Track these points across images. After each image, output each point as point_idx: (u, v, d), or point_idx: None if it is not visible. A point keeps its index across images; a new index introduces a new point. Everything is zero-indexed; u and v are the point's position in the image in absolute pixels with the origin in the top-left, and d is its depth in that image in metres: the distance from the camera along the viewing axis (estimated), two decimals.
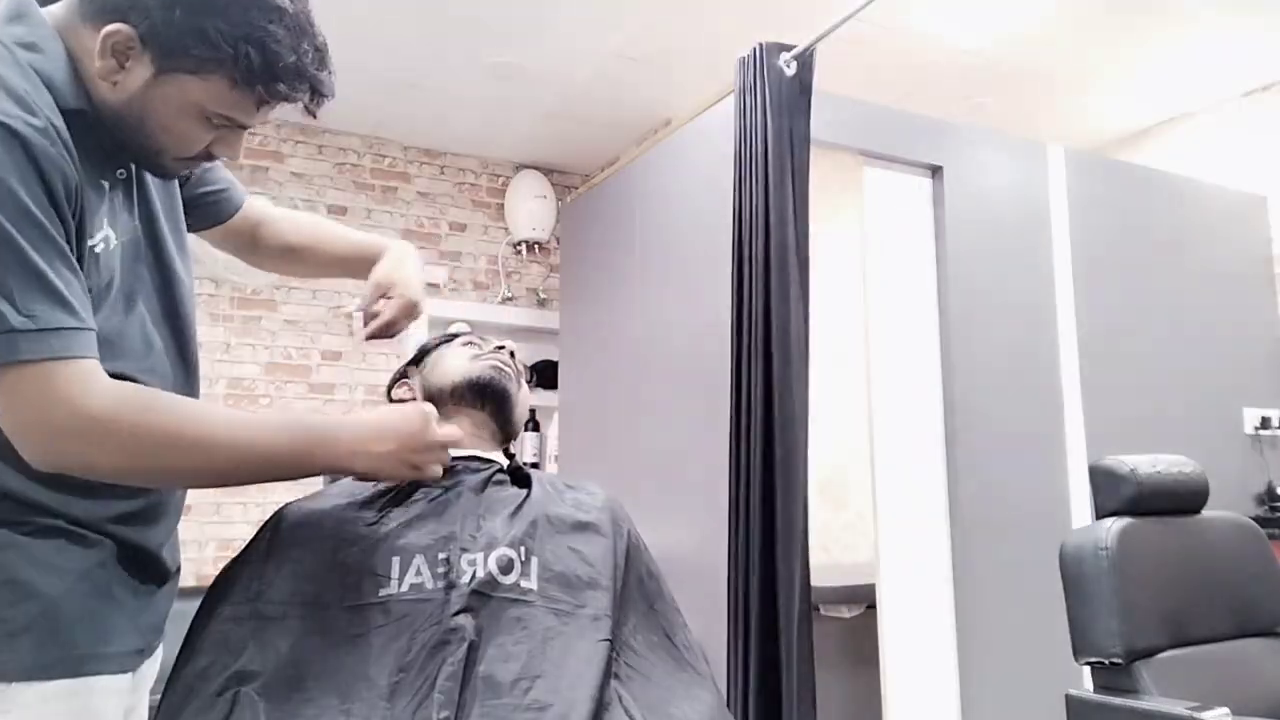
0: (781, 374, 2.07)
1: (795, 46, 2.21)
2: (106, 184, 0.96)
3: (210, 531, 3.41)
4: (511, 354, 1.38)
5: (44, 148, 0.84)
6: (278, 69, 0.92)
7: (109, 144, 0.95)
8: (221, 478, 1.00)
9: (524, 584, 1.09)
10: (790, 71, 2.20)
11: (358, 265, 1.32)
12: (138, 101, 0.92)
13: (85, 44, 0.90)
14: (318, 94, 0.98)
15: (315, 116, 1.01)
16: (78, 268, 0.88)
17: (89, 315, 0.88)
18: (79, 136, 0.89)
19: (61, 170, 0.85)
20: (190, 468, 0.94)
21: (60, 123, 0.87)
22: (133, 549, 1.02)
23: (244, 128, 0.99)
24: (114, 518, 0.99)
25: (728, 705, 1.97)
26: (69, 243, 0.87)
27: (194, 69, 0.90)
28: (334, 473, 1.04)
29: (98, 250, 0.93)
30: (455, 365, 1.34)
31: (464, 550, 1.10)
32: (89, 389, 0.86)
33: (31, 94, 0.85)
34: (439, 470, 1.12)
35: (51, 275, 0.84)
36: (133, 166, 1.01)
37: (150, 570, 1.05)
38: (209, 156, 1.01)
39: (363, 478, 1.08)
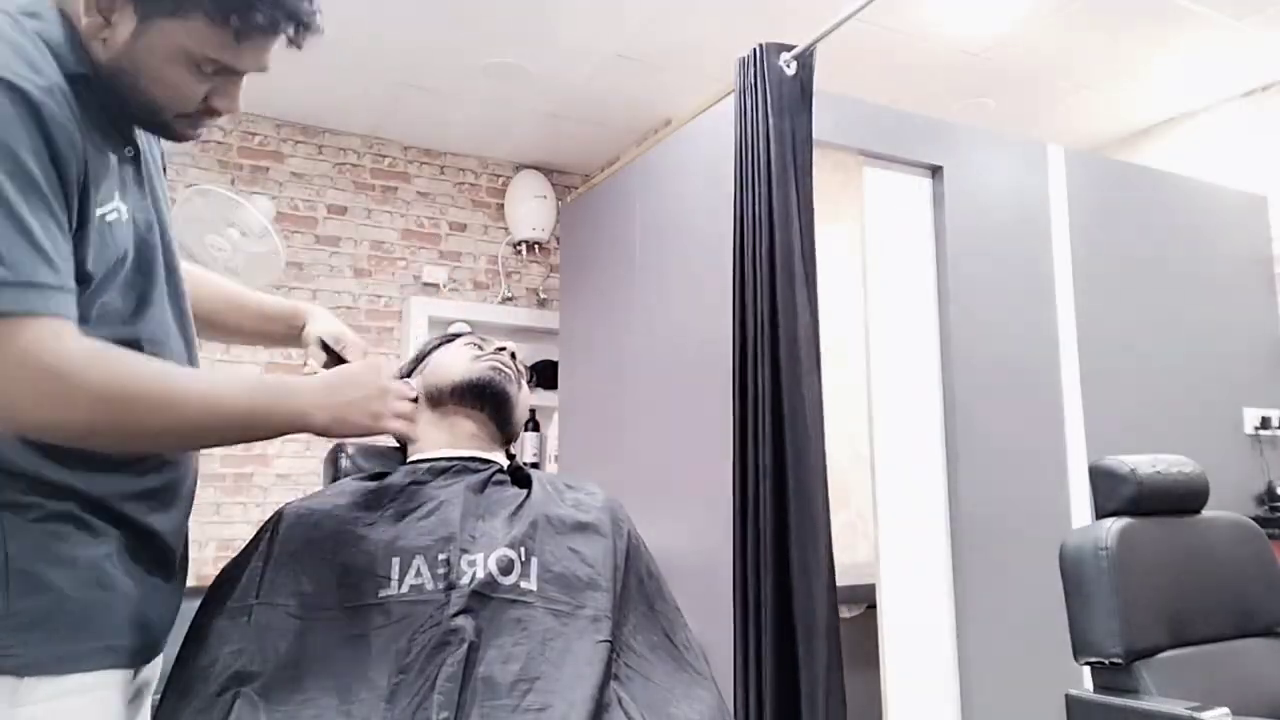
0: (791, 374, 2.06)
1: (795, 46, 2.21)
2: (115, 157, 0.96)
3: (210, 531, 3.41)
4: (513, 355, 1.38)
5: (50, 109, 0.84)
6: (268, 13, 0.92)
7: (114, 112, 0.95)
8: (187, 438, 0.99)
9: (524, 585, 1.09)
10: (790, 71, 2.20)
11: (277, 327, 1.31)
12: (127, 56, 0.92)
13: (77, 6, 0.90)
14: (300, 24, 0.95)
15: (300, 47, 0.97)
16: (67, 232, 0.87)
17: (70, 278, 0.87)
18: (84, 103, 0.89)
19: (68, 133, 0.86)
20: (159, 426, 0.93)
21: (65, 87, 0.87)
22: (145, 535, 1.00)
23: (238, 74, 0.97)
24: (131, 495, 0.98)
25: (737, 706, 1.98)
26: (68, 206, 0.87)
27: (171, 10, 0.90)
28: (296, 430, 1.03)
29: (109, 219, 0.93)
30: (456, 366, 1.34)
31: (464, 551, 1.10)
32: (61, 346, 0.85)
33: (38, 58, 0.85)
34: (399, 423, 1.12)
35: (39, 232, 0.83)
36: (140, 143, 1.01)
37: (159, 561, 1.04)
38: (211, 112, 0.99)
39: (324, 433, 1.07)
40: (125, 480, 0.98)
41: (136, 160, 1.01)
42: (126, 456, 0.98)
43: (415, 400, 1.27)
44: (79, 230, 0.89)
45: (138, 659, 1.00)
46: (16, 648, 0.88)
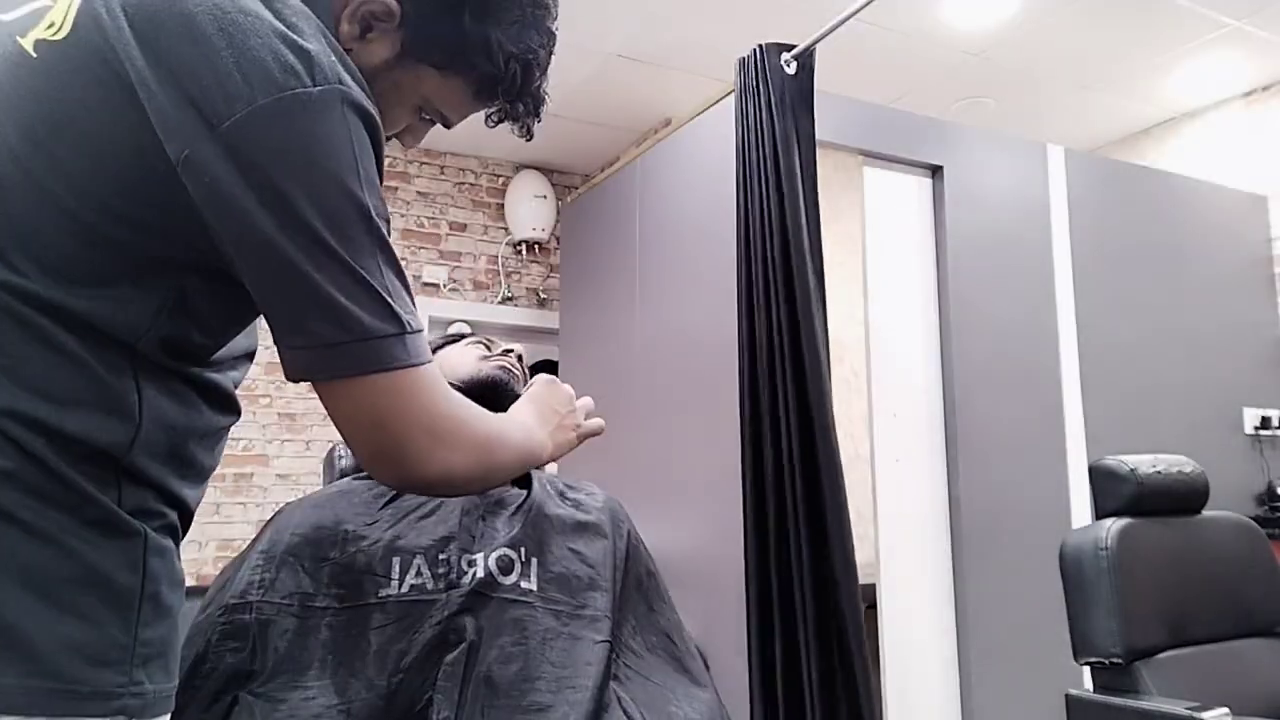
0: (814, 377, 2.05)
1: (795, 46, 2.21)
2: None
3: (210, 531, 3.41)
4: (519, 358, 1.38)
5: (381, 138, 0.78)
6: (530, 90, 0.91)
7: None
8: (508, 475, 0.95)
9: (524, 585, 1.09)
10: (791, 71, 2.20)
11: None
12: (368, 74, 0.84)
13: (335, 8, 0.84)
14: (534, 120, 0.94)
15: (529, 139, 0.96)
16: None
17: None
18: None
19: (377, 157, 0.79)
20: (502, 467, 0.90)
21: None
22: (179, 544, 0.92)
23: (445, 125, 0.95)
24: (197, 503, 0.89)
25: (754, 706, 1.98)
26: None
27: (443, 65, 0.87)
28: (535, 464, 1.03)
29: None
30: (464, 365, 1.34)
31: (464, 551, 1.10)
32: (448, 392, 0.81)
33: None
34: (591, 425, 1.16)
35: (402, 270, 0.79)
36: None
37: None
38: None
39: (549, 460, 1.07)
40: (197, 492, 0.88)
41: None
42: (213, 465, 0.90)
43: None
44: None
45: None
46: (145, 684, 0.75)
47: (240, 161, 0.70)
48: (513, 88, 0.89)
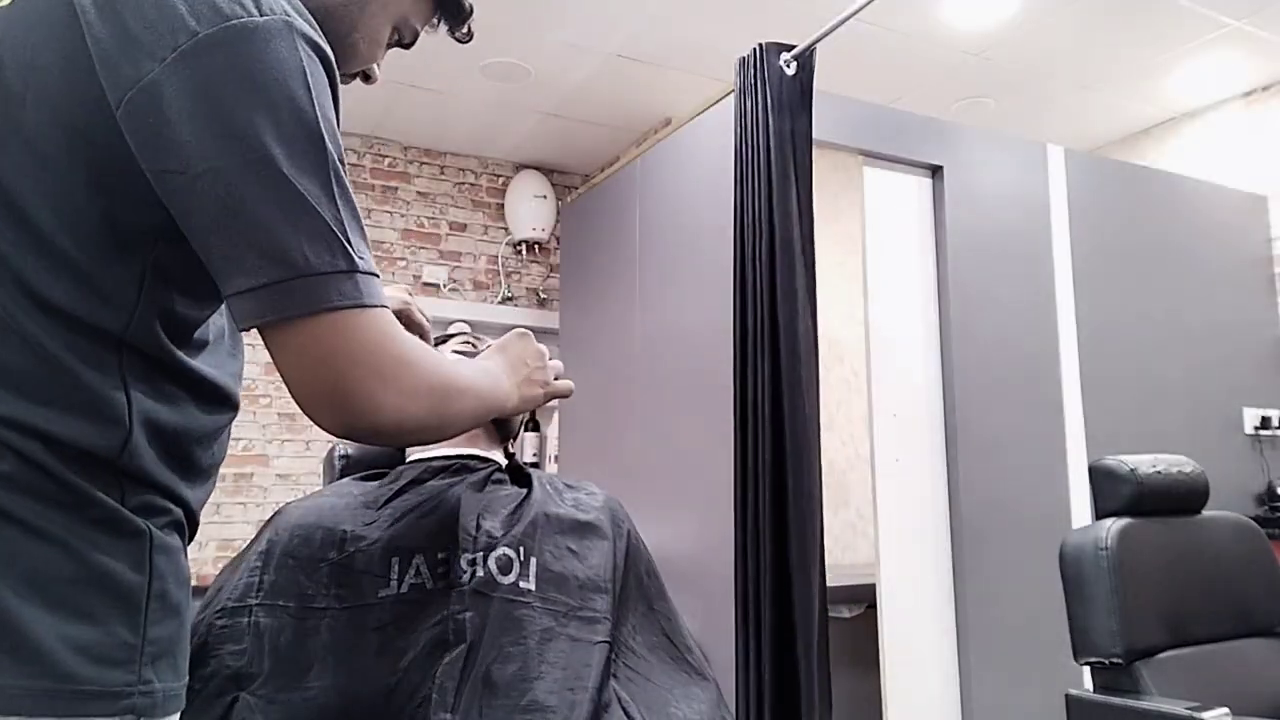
0: (790, 374, 2.06)
1: (795, 46, 2.21)
2: None
3: (210, 531, 3.40)
4: None
5: (336, 75, 0.77)
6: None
7: None
8: (467, 425, 0.92)
9: (523, 584, 1.09)
10: (790, 71, 2.20)
11: None
12: (355, 5, 0.90)
13: None
14: (465, 24, 1.04)
15: (463, 41, 1.06)
16: None
17: None
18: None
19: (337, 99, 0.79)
20: (461, 415, 0.87)
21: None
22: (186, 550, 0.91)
23: (407, 47, 1.01)
24: (203, 501, 0.89)
25: (738, 705, 1.98)
26: None
27: None
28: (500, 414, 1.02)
29: None
30: None
31: (463, 550, 1.10)
32: (402, 335, 0.78)
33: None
34: (562, 384, 1.14)
35: (360, 217, 0.77)
36: None
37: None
38: (363, 78, 1.02)
39: (514, 411, 1.06)
40: (203, 488, 0.88)
41: None
42: (215, 461, 0.88)
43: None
44: None
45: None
46: (154, 682, 0.74)
47: (186, 90, 0.69)
48: None
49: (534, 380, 1.06)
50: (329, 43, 0.81)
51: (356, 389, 0.74)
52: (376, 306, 0.74)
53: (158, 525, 0.78)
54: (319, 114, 0.73)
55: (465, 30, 1.02)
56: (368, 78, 1.00)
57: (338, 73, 0.78)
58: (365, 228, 0.78)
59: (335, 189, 0.73)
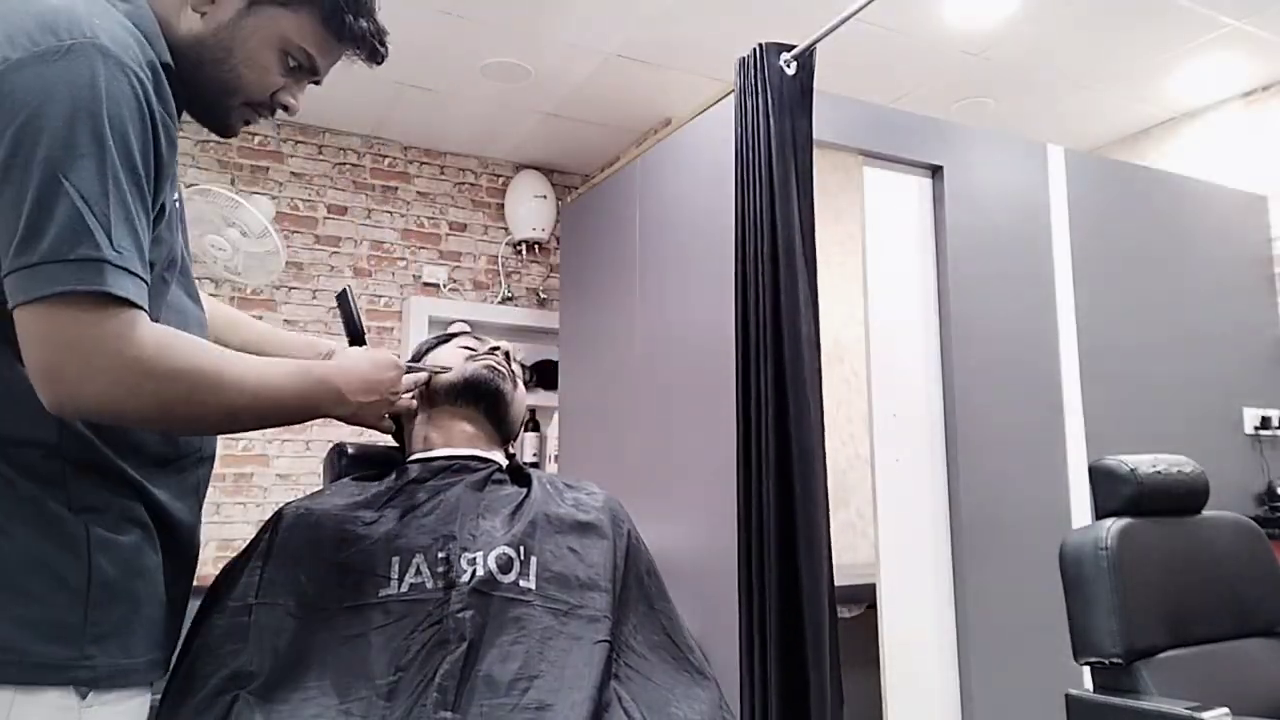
0: (794, 376, 2.06)
1: (795, 46, 2.21)
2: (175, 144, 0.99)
3: (210, 531, 3.41)
4: (507, 355, 1.38)
5: (150, 94, 0.86)
6: (366, 7, 1.02)
7: (180, 101, 0.96)
8: (235, 420, 0.97)
9: (523, 584, 1.09)
10: (790, 71, 2.20)
11: (307, 354, 1.34)
12: (225, 31, 0.96)
13: None
14: (380, 44, 1.05)
15: (372, 64, 1.07)
16: (150, 221, 0.88)
17: (147, 270, 0.87)
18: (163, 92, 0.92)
19: (161, 117, 0.87)
20: (217, 407, 0.91)
21: (160, 73, 0.89)
22: (182, 539, 0.99)
23: (314, 75, 1.04)
24: (177, 495, 0.97)
25: (743, 706, 1.98)
26: (155, 194, 0.88)
27: (287, 1, 0.96)
28: (322, 416, 1.08)
29: (177, 206, 0.98)
30: (450, 363, 1.34)
31: (464, 550, 1.10)
32: (141, 338, 0.83)
33: (133, 44, 0.87)
34: (403, 403, 1.22)
35: (139, 220, 0.84)
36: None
37: (187, 567, 1.03)
38: (275, 107, 1.04)
39: (345, 421, 1.12)
40: (176, 480, 0.97)
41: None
42: (179, 453, 0.98)
43: (428, 383, 1.31)
44: (155, 219, 0.90)
45: (163, 671, 0.99)
46: (98, 658, 0.85)
47: None
48: (349, 6, 0.99)
49: (381, 401, 1.13)
50: (210, 72, 0.95)
51: (64, 373, 0.81)
52: (118, 299, 0.81)
53: (104, 521, 0.87)
54: (108, 122, 0.81)
55: (372, 52, 1.04)
56: (286, 108, 1.04)
57: (163, 91, 0.88)
58: (138, 232, 0.84)
59: (111, 190, 0.81)
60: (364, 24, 1.01)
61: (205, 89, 0.98)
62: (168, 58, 0.93)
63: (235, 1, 0.95)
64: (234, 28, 0.95)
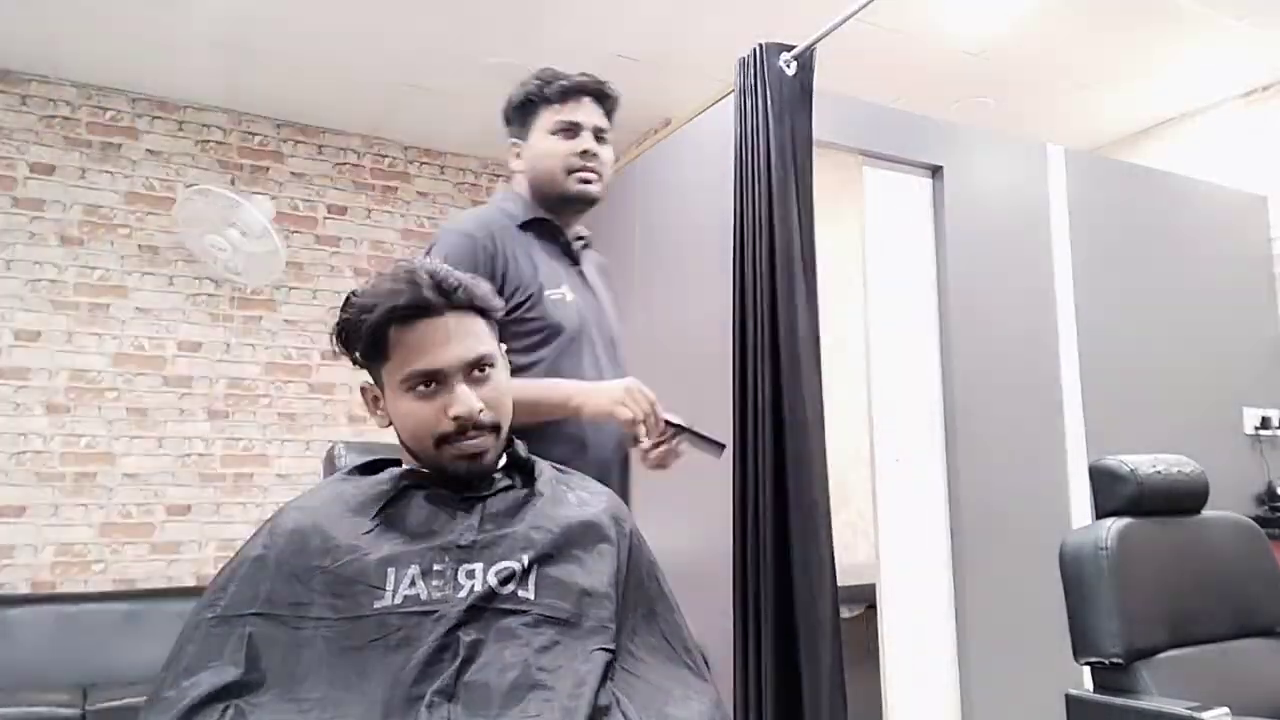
0: (791, 375, 2.06)
1: (795, 46, 2.21)
2: (561, 266, 1.55)
3: (210, 531, 3.40)
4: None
5: (482, 241, 1.46)
6: (562, 85, 1.56)
7: (560, 235, 1.59)
8: None
9: (521, 593, 1.07)
10: (791, 72, 2.20)
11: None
12: (529, 151, 1.57)
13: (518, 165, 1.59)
14: (579, 87, 1.57)
15: (600, 98, 1.60)
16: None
17: None
18: (538, 234, 1.55)
19: (489, 253, 1.45)
20: None
21: (505, 231, 1.50)
22: None
23: (576, 126, 1.55)
24: None
25: (737, 706, 1.97)
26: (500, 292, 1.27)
27: (525, 120, 1.58)
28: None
29: (554, 299, 1.49)
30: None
31: (461, 561, 1.09)
32: None
33: (487, 218, 1.51)
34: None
35: None
36: (583, 264, 1.63)
37: None
38: (584, 163, 1.55)
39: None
40: None
41: (579, 272, 1.60)
42: None
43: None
44: (532, 302, 1.46)
45: None
46: None
47: None
48: (550, 94, 1.57)
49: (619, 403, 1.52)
50: (544, 183, 1.60)
51: None
52: None
53: None
54: None
55: (596, 92, 1.61)
56: (586, 158, 1.59)
57: (482, 242, 1.50)
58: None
59: None
60: (550, 89, 1.54)
61: (550, 198, 1.60)
62: (529, 215, 1.57)
63: (520, 138, 1.60)
64: (531, 146, 1.59)
